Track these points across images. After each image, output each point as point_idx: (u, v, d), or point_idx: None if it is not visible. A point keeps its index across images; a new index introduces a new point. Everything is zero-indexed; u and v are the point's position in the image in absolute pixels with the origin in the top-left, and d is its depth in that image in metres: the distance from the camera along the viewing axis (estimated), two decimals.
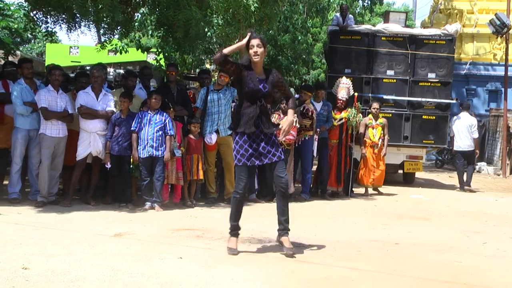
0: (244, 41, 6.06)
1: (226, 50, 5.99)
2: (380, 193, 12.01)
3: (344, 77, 11.83)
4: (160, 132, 8.76)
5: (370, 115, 12.08)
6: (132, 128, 8.78)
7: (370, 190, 12.06)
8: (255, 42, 5.98)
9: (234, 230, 6.12)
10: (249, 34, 6.05)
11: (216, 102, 9.54)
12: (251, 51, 6.01)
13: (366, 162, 11.96)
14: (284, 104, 10.16)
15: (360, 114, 11.77)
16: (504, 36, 19.08)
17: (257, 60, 6.00)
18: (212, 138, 9.51)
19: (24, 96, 8.65)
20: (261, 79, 6.04)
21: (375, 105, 12.08)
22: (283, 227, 6.14)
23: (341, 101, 11.27)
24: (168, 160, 8.82)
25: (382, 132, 11.95)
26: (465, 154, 13.90)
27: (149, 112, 8.84)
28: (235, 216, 6.14)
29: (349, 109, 11.22)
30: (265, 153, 6.03)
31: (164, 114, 8.86)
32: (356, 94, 11.62)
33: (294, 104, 6.34)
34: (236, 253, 5.93)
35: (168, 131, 8.80)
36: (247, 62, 6.09)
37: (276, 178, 6.07)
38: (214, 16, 9.78)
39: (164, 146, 8.77)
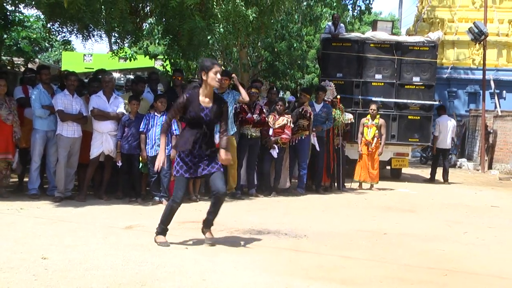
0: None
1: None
2: (371, 188, 11.98)
3: (327, 80, 11.87)
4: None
5: (368, 116, 12.07)
6: (140, 129, 8.77)
7: (365, 185, 12.05)
8: (219, 69, 5.73)
9: (162, 232, 5.88)
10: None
11: None
12: (213, 76, 5.67)
13: (361, 159, 11.96)
14: (279, 106, 10.15)
15: (349, 115, 11.79)
16: (481, 43, 19.09)
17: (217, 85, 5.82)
18: (216, 138, 9.46)
19: (42, 100, 8.64)
20: (205, 107, 5.76)
21: (373, 106, 12.07)
22: (208, 224, 6.04)
23: (327, 102, 11.29)
24: (174, 158, 8.79)
25: (376, 131, 11.92)
26: (443, 151, 14.29)
27: (156, 114, 8.83)
28: (167, 221, 5.89)
29: (334, 110, 11.25)
30: (203, 166, 5.85)
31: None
32: (339, 96, 11.64)
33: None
34: (168, 244, 5.74)
35: (174, 131, 8.79)
36: (194, 89, 5.79)
37: (213, 185, 5.87)
38: (217, 24, 9.76)
39: (170, 145, 8.76)
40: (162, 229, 5.88)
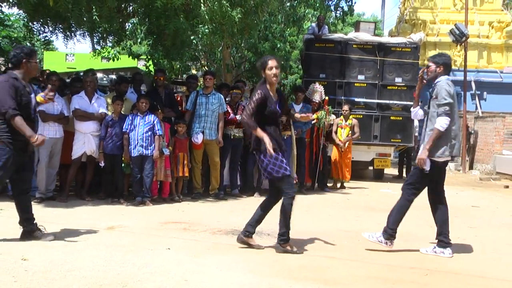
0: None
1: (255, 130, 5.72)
2: (343, 187, 12.05)
3: (317, 83, 11.90)
4: (149, 133, 8.71)
5: (342, 116, 12.16)
6: (123, 130, 8.73)
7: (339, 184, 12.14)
8: (273, 63, 5.79)
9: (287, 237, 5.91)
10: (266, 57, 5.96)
11: (204, 105, 9.52)
12: (269, 72, 5.78)
13: (334, 158, 12.06)
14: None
15: (333, 116, 11.84)
16: (462, 44, 19.26)
17: (276, 81, 5.85)
18: (198, 138, 9.46)
19: None
20: (276, 100, 5.89)
21: (345, 107, 12.19)
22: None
23: (314, 103, 11.32)
24: (157, 158, 8.77)
25: (350, 132, 12.03)
26: (407, 149, 14.77)
27: (138, 114, 8.79)
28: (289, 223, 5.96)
29: (320, 111, 11.28)
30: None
31: (153, 115, 8.81)
32: (327, 98, 11.69)
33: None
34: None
35: (157, 131, 8.76)
36: (262, 85, 5.88)
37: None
38: (201, 25, 9.74)
39: (153, 145, 8.72)
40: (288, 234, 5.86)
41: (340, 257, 5.72)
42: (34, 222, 5.97)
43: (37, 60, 5.86)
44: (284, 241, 5.81)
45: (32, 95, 5.82)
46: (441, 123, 5.86)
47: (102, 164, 8.79)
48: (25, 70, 5.75)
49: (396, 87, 13.77)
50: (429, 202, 6.33)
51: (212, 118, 9.55)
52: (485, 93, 23.85)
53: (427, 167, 5.92)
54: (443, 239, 6.08)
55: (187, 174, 9.38)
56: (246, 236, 5.91)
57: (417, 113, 6.43)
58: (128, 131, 8.72)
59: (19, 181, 5.88)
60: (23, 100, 5.64)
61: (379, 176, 14.85)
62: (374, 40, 13.91)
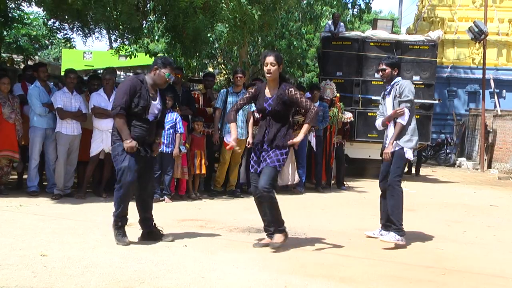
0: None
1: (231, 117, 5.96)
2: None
3: (328, 80, 11.87)
4: (171, 131, 8.73)
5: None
6: None
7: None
8: (269, 60, 5.81)
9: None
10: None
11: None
12: (264, 68, 5.87)
13: None
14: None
15: (348, 113, 11.79)
16: (481, 42, 19.08)
17: (269, 77, 5.86)
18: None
19: (41, 98, 8.63)
20: (269, 97, 5.88)
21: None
22: (269, 229, 5.99)
23: (326, 100, 11.28)
24: (176, 155, 8.79)
25: None
26: None
27: None
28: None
29: (332, 109, 11.24)
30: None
31: (175, 113, 8.82)
32: (338, 94, 11.63)
33: (311, 118, 5.92)
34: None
35: (178, 129, 8.78)
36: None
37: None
38: (219, 24, 9.75)
39: (173, 143, 8.75)
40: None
41: (356, 255, 5.70)
42: (153, 223, 5.96)
43: (169, 74, 5.86)
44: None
45: (156, 102, 5.82)
46: (404, 117, 6.30)
47: None
48: (154, 76, 5.82)
49: (414, 85, 13.64)
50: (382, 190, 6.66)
51: (243, 117, 9.54)
52: (504, 91, 23.64)
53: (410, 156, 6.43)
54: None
55: (204, 171, 9.40)
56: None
57: (379, 124, 6.73)
58: None
59: (143, 181, 5.90)
60: (141, 103, 5.66)
61: None
62: (392, 38, 13.83)
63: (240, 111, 9.44)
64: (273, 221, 5.84)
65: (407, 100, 6.33)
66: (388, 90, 6.54)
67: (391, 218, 6.35)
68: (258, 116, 9.70)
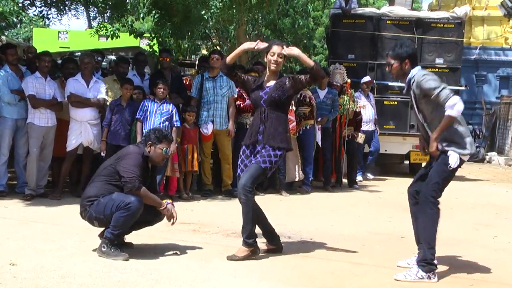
0: (245, 45, 6.10)
1: (228, 58, 6.02)
2: None
3: (337, 63, 11.85)
4: (166, 123, 8.69)
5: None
6: (137, 116, 8.68)
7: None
8: (279, 50, 5.88)
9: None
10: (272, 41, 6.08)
11: (212, 90, 9.45)
12: (270, 58, 5.92)
13: None
14: None
15: (355, 101, 11.78)
16: None
17: (273, 68, 5.94)
18: (208, 128, 9.43)
19: (10, 84, 8.60)
20: (266, 86, 5.96)
21: None
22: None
23: (336, 86, 11.24)
24: (174, 153, 8.70)
25: None
26: None
27: (155, 101, 8.77)
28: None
29: (343, 96, 11.21)
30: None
31: (171, 104, 8.79)
32: (349, 80, 11.57)
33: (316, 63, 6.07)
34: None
35: (175, 123, 8.76)
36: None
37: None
38: None
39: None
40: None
41: (370, 263, 5.72)
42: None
43: (167, 149, 5.94)
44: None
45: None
46: (457, 108, 5.26)
47: (103, 154, 8.75)
48: (149, 153, 5.82)
49: (437, 69, 13.63)
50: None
51: (223, 104, 9.51)
52: None
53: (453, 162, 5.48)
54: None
55: (196, 168, 9.37)
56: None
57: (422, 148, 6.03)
58: (141, 118, 8.70)
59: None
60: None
61: (416, 171, 14.72)
62: (412, 15, 13.80)
63: (220, 98, 9.48)
64: (243, 227, 5.78)
65: (440, 89, 5.27)
66: (405, 90, 5.67)
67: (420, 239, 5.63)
68: (241, 104, 9.73)
